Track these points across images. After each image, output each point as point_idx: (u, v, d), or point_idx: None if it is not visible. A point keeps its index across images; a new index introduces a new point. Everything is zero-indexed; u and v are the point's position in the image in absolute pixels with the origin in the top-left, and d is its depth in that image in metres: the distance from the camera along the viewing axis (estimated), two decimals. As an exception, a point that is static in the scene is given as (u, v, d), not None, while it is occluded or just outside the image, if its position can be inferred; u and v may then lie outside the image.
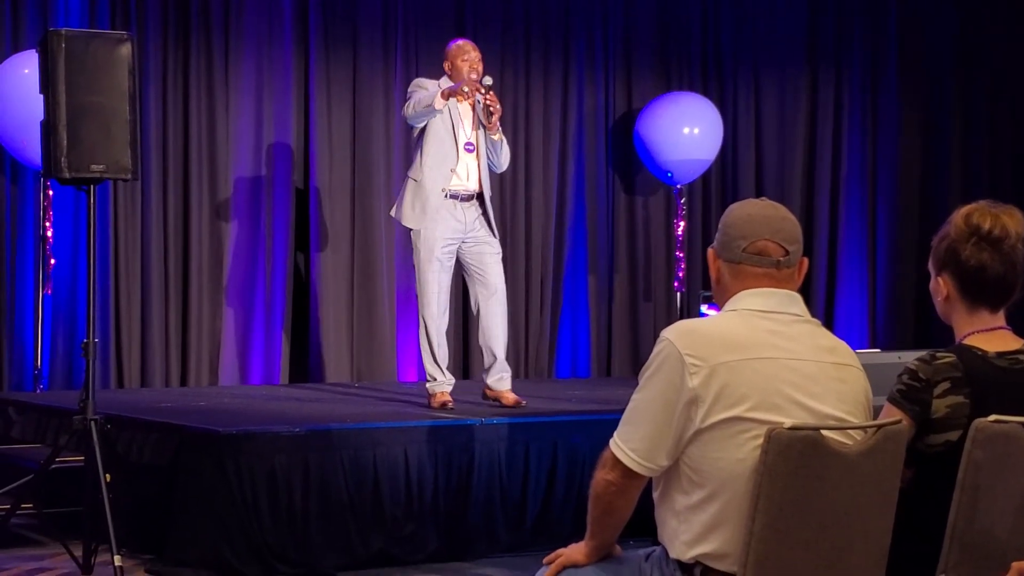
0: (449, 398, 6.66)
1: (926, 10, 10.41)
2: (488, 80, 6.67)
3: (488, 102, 6.60)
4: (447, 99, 6.53)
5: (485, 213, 6.68)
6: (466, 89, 6.55)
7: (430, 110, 6.54)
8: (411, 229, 6.68)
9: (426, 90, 6.62)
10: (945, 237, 3.00)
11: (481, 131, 6.68)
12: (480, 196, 6.68)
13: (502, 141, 6.72)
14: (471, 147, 6.67)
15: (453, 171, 6.62)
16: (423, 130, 6.66)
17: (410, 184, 6.70)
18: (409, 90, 6.80)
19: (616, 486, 2.83)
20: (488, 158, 6.72)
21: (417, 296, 6.71)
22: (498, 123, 6.65)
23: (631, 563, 2.94)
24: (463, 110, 6.69)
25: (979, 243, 2.95)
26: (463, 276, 6.85)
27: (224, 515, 5.61)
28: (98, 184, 5.67)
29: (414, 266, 6.71)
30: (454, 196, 6.62)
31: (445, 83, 6.67)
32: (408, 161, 8.93)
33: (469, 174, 6.67)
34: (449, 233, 6.62)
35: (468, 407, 6.66)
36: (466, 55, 6.72)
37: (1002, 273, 2.96)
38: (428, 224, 6.59)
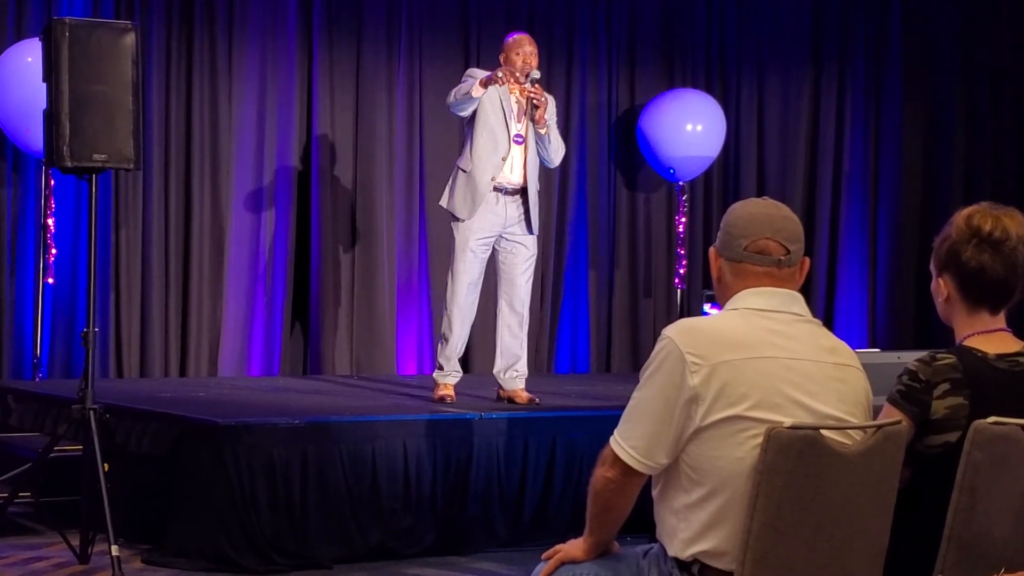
0: (451, 392, 6.67)
1: (929, 9, 10.40)
2: (536, 74, 6.66)
3: (532, 95, 6.61)
4: (485, 87, 6.53)
5: (527, 210, 6.68)
6: (500, 74, 6.55)
7: (468, 97, 6.54)
8: (454, 219, 6.69)
9: (474, 79, 6.62)
10: (946, 238, 3.00)
11: (530, 124, 6.68)
12: (524, 191, 6.68)
13: (550, 136, 6.68)
14: (520, 139, 6.66)
15: (504, 159, 6.62)
16: (472, 120, 6.66)
17: (459, 175, 6.70)
18: (462, 79, 6.80)
19: (615, 483, 2.83)
20: (539, 153, 6.72)
21: (448, 283, 6.72)
22: (545, 117, 6.64)
23: (629, 560, 2.95)
24: (513, 101, 6.68)
25: (980, 245, 2.95)
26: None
27: (222, 506, 5.61)
28: (100, 173, 5.68)
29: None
30: (497, 189, 6.62)
31: None
32: (409, 154, 9.06)
33: (514, 167, 6.65)
34: (487, 226, 6.64)
35: (468, 401, 6.66)
36: (520, 48, 6.71)
37: (1003, 275, 2.96)
38: (468, 215, 6.61)
